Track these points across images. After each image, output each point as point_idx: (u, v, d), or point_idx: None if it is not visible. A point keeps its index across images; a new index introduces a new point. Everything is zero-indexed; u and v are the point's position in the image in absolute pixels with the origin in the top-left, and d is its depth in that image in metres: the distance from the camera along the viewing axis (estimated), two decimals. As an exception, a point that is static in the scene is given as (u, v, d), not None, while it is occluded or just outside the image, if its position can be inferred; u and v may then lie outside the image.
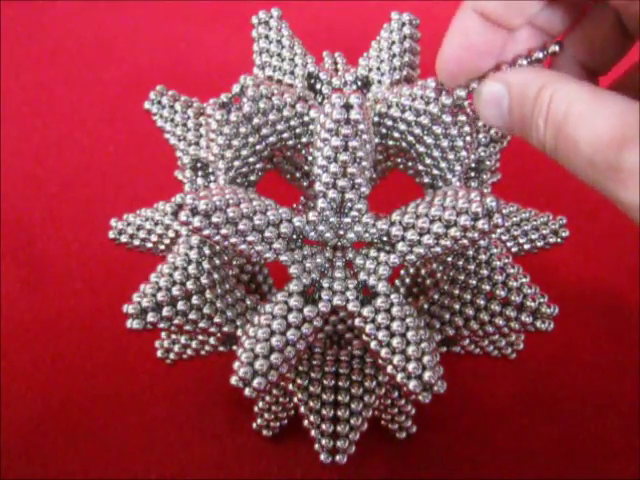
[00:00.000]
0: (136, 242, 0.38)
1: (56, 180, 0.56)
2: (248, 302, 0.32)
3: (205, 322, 0.30)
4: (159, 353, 0.43)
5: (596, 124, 0.21)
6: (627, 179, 0.20)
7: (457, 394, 0.44)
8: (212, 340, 0.38)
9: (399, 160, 0.38)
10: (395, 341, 0.28)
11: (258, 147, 0.32)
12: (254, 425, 0.41)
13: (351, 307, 0.29)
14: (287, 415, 0.40)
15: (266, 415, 0.39)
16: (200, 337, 0.40)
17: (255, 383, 0.27)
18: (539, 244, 0.39)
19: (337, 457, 0.32)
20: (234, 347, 0.36)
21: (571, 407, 0.45)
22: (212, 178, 0.36)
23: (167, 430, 0.43)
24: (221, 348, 0.38)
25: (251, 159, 0.32)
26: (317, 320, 0.29)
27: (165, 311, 0.29)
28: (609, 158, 0.21)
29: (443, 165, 0.32)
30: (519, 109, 0.25)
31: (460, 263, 0.32)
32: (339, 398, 0.33)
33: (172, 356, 0.43)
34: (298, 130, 0.32)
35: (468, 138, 0.31)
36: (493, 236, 0.32)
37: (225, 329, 0.30)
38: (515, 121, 0.26)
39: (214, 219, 0.25)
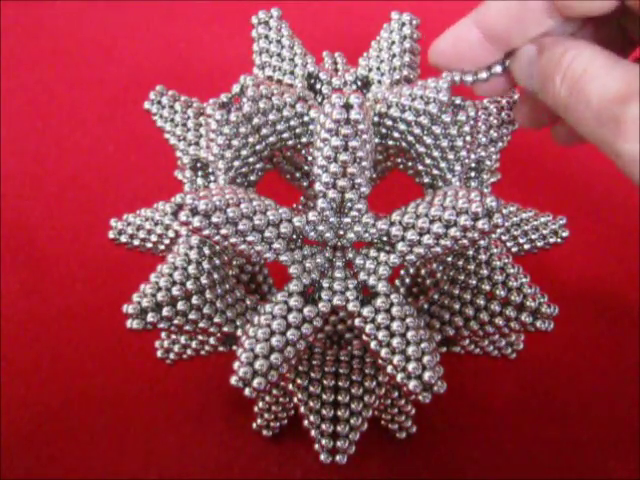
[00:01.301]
0: (136, 242, 0.38)
1: (56, 180, 0.56)
2: (248, 302, 0.32)
3: (205, 322, 0.30)
4: (159, 353, 0.43)
5: (607, 80, 0.23)
6: (628, 130, 0.22)
7: (457, 394, 0.44)
8: (212, 340, 0.38)
9: (399, 160, 0.38)
10: (395, 341, 0.28)
11: (258, 147, 0.32)
12: (254, 425, 0.41)
13: (351, 307, 0.29)
14: (287, 415, 0.40)
15: (266, 415, 0.39)
16: (200, 337, 0.40)
17: (255, 383, 0.27)
18: (539, 244, 0.39)
19: (337, 457, 0.32)
20: (234, 347, 0.36)
21: (571, 407, 0.45)
22: (212, 178, 0.36)
23: (167, 430, 0.43)
24: (221, 348, 0.38)
25: (251, 159, 0.32)
26: (317, 320, 0.29)
27: (165, 311, 0.29)
28: (614, 110, 0.23)
29: (443, 165, 0.32)
30: (543, 69, 0.27)
31: (460, 263, 0.32)
32: (339, 398, 0.33)
33: (172, 356, 0.43)
34: (298, 130, 0.32)
35: (468, 138, 0.31)
36: (493, 236, 0.32)
37: (225, 329, 0.30)
38: (539, 82, 0.27)
39: (214, 219, 0.25)
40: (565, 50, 0.26)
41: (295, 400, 0.34)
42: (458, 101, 0.31)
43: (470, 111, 0.30)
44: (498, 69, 0.29)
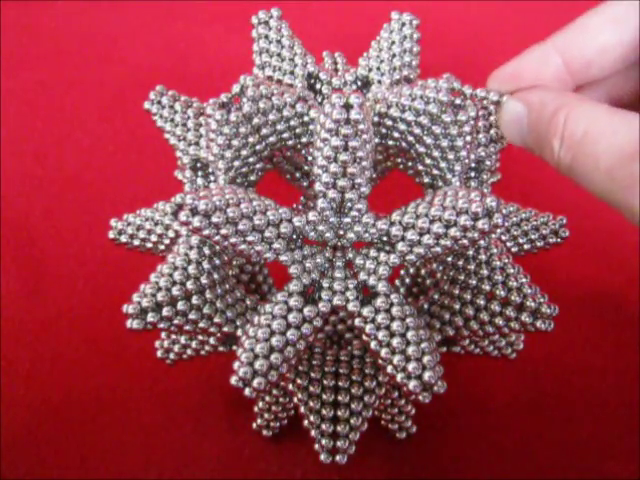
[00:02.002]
0: (136, 242, 0.38)
1: (56, 180, 0.56)
2: (248, 302, 0.32)
3: (205, 322, 0.30)
4: (159, 353, 0.43)
5: (617, 138, 0.22)
6: None
7: (457, 394, 0.44)
8: (212, 340, 0.38)
9: (399, 160, 0.38)
10: (395, 341, 0.28)
11: (258, 147, 0.32)
12: (254, 425, 0.41)
13: (351, 307, 0.29)
14: (287, 415, 0.40)
15: (266, 415, 0.39)
16: (200, 337, 0.40)
17: (255, 383, 0.27)
18: (539, 244, 0.39)
19: (337, 457, 0.32)
20: (234, 347, 0.36)
21: (571, 407, 0.45)
22: (212, 178, 0.36)
23: (167, 430, 0.43)
24: (221, 348, 0.38)
25: (251, 159, 0.32)
26: (317, 320, 0.29)
27: (165, 311, 0.29)
28: (630, 168, 0.21)
29: (443, 165, 0.32)
30: (535, 129, 0.26)
31: (460, 263, 0.32)
32: (339, 398, 0.33)
33: (172, 356, 0.43)
34: (298, 130, 0.32)
35: (468, 138, 0.31)
36: (493, 236, 0.32)
37: (225, 329, 0.30)
38: (534, 141, 0.27)
39: (214, 219, 0.25)
40: (555, 110, 0.25)
41: (295, 400, 0.33)
42: (458, 101, 0.31)
43: (470, 111, 0.30)
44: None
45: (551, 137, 0.25)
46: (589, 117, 0.23)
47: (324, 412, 0.33)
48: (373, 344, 0.28)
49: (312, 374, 0.33)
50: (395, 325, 0.28)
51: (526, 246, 0.39)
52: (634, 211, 0.22)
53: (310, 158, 0.37)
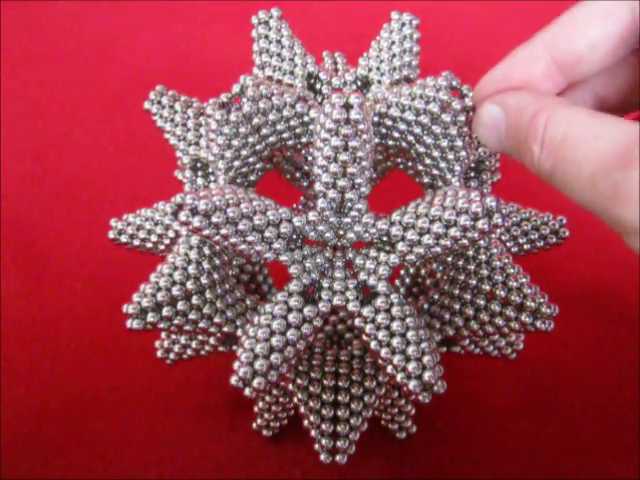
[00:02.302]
0: (136, 242, 0.38)
1: (56, 180, 0.56)
2: (248, 302, 0.32)
3: (205, 322, 0.30)
4: (159, 353, 0.43)
5: (599, 144, 0.21)
6: (629, 197, 0.20)
7: (457, 394, 0.44)
8: (212, 340, 0.38)
9: (399, 160, 0.38)
10: (395, 341, 0.28)
11: (258, 147, 0.32)
12: (254, 425, 0.41)
13: (351, 307, 0.29)
14: (287, 415, 0.40)
15: (266, 415, 0.39)
16: (200, 337, 0.40)
17: (255, 383, 0.27)
18: (539, 244, 0.39)
19: (337, 457, 0.32)
20: (234, 347, 0.36)
21: (571, 407, 0.45)
22: (212, 178, 0.36)
23: (167, 430, 0.43)
24: (221, 348, 0.38)
25: (251, 159, 0.32)
26: (317, 320, 0.29)
27: (165, 311, 0.29)
28: (613, 176, 0.20)
29: (443, 165, 0.32)
30: (514, 133, 0.25)
31: (460, 263, 0.32)
32: (339, 398, 0.33)
33: (172, 356, 0.43)
34: (298, 130, 0.32)
35: (468, 138, 0.31)
36: (493, 236, 0.32)
37: (225, 329, 0.30)
38: (512, 146, 0.25)
39: (214, 219, 0.25)
40: (535, 113, 0.24)
41: (295, 400, 0.33)
42: (457, 105, 0.31)
43: (470, 111, 0.30)
44: None
45: (530, 142, 0.24)
46: (569, 120, 0.22)
47: (324, 412, 0.33)
48: (373, 344, 0.28)
49: (312, 374, 0.33)
50: (395, 325, 0.28)
51: (526, 246, 0.39)
52: (620, 222, 0.20)
53: (310, 158, 0.37)
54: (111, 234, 0.38)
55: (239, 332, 0.31)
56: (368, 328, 0.28)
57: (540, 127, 0.23)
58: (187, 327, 0.30)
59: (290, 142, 0.33)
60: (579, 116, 0.22)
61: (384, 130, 0.32)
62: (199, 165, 0.36)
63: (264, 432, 0.41)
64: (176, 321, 0.29)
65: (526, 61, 0.27)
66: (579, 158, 0.21)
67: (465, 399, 0.45)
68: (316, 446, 0.33)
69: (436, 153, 0.31)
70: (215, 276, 0.30)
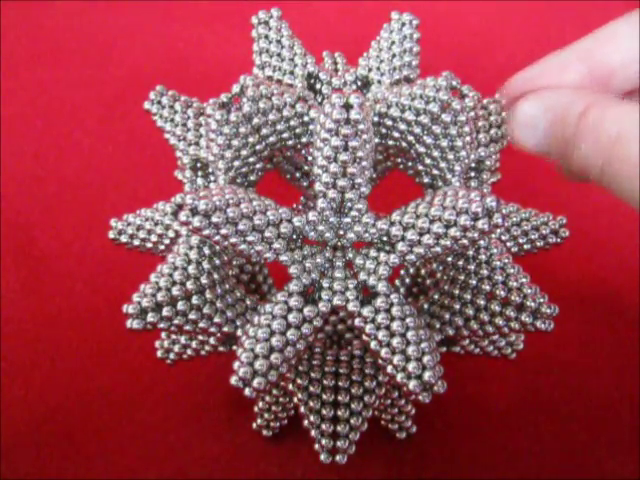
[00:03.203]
0: (136, 242, 0.38)
1: (56, 180, 0.56)
2: (248, 302, 0.32)
3: (205, 322, 0.30)
4: (159, 353, 0.43)
5: None
6: None
7: (457, 394, 0.44)
8: (212, 340, 0.38)
9: (399, 160, 0.38)
10: (395, 341, 0.28)
11: (258, 147, 0.32)
12: (254, 425, 0.41)
13: (351, 307, 0.29)
14: (287, 415, 0.40)
15: (266, 415, 0.39)
16: (200, 337, 0.40)
17: (255, 383, 0.27)
18: (539, 244, 0.39)
19: (337, 457, 0.32)
20: (234, 347, 0.36)
21: (571, 407, 0.45)
22: (212, 178, 0.36)
23: (167, 430, 0.43)
24: (221, 348, 0.38)
25: (251, 159, 0.32)
26: (317, 320, 0.29)
27: (165, 311, 0.29)
28: None
29: (443, 165, 0.32)
30: (559, 132, 0.24)
31: (460, 263, 0.32)
32: (339, 398, 0.33)
33: (172, 356, 0.43)
34: (298, 130, 0.32)
35: (468, 138, 0.31)
36: (493, 236, 0.32)
37: (225, 329, 0.30)
38: (553, 145, 0.24)
39: (214, 219, 0.25)
40: (584, 110, 0.22)
41: (295, 400, 0.33)
42: (457, 106, 0.31)
43: (470, 111, 0.30)
44: None
45: (579, 139, 0.22)
46: (624, 118, 0.21)
47: (324, 412, 0.33)
48: (373, 344, 0.28)
49: (312, 374, 0.33)
50: (395, 325, 0.28)
51: (526, 246, 0.39)
52: None
53: (310, 158, 0.37)
54: (111, 234, 0.38)
55: (239, 332, 0.31)
56: (368, 328, 0.28)
57: (590, 125, 0.22)
58: (187, 327, 0.30)
59: (290, 142, 0.33)
60: (631, 113, 0.21)
61: (384, 130, 0.32)
62: (199, 165, 0.36)
63: (264, 432, 0.41)
64: (176, 321, 0.29)
65: (559, 68, 0.26)
66: (632, 157, 0.20)
67: (465, 399, 0.45)
68: (316, 446, 0.33)
69: (436, 153, 0.31)
70: (215, 276, 0.30)
